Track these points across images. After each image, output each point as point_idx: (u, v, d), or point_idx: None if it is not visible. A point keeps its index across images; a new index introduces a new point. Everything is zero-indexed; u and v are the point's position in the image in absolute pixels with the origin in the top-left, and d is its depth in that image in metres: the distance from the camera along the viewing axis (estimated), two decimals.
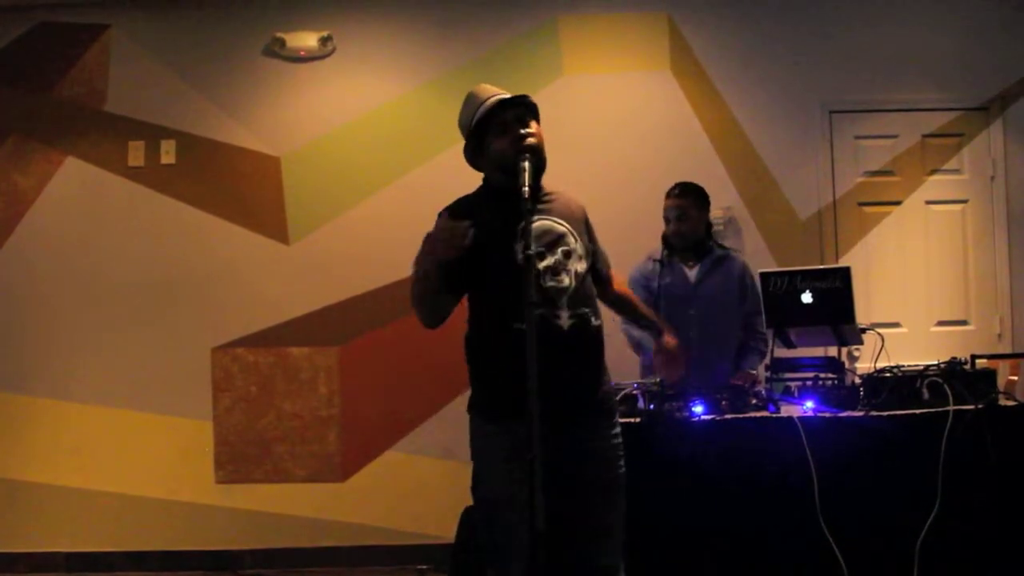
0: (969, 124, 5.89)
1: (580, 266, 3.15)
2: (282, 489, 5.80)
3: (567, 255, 3.12)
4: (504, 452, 3.04)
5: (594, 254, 3.34)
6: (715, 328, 4.66)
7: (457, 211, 3.18)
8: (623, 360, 4.67)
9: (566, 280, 3.09)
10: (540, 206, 3.15)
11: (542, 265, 3.06)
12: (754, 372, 4.61)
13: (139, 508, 5.79)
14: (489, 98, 3.17)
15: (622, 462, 3.19)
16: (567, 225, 3.17)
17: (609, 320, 4.41)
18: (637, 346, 4.70)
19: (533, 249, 2.87)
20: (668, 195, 4.75)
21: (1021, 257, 5.84)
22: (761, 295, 4.46)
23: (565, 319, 3.05)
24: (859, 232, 5.89)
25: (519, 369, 2.87)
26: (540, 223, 3.09)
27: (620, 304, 3.59)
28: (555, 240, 3.13)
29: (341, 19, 5.95)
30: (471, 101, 3.22)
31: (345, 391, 5.83)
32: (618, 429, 3.22)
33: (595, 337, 3.14)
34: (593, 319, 3.14)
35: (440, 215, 3.20)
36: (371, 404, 5.81)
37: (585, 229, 3.28)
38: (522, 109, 3.17)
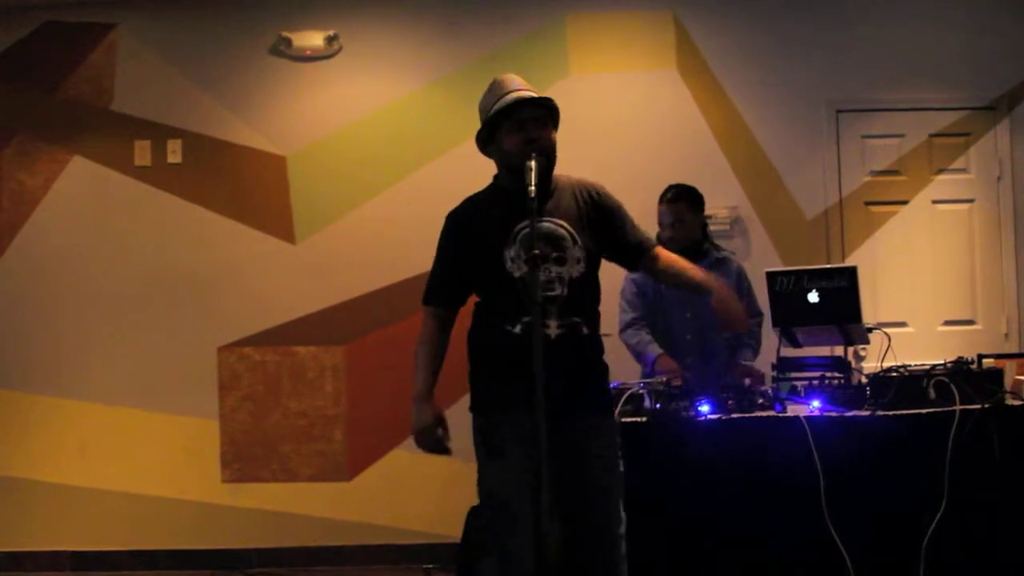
0: (976, 123, 5.88)
1: (576, 270, 3.12)
2: (288, 488, 5.81)
3: (561, 261, 3.08)
4: (492, 448, 3.11)
5: (622, 238, 3.29)
6: (711, 331, 4.65)
7: (463, 212, 3.25)
8: (628, 360, 4.68)
9: (557, 288, 3.06)
10: (545, 206, 3.13)
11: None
12: (748, 364, 4.61)
13: (145, 507, 5.80)
14: (513, 90, 3.14)
15: (617, 464, 3.16)
16: (568, 226, 3.14)
17: (610, 325, 4.44)
18: (637, 356, 4.68)
19: (537, 250, 2.87)
20: (661, 200, 4.70)
21: None
22: (757, 295, 4.46)
23: (554, 328, 3.04)
24: (865, 231, 5.88)
25: (509, 371, 3.03)
26: (539, 225, 3.03)
27: (669, 277, 3.45)
28: (551, 245, 3.10)
29: (347, 18, 5.95)
30: (495, 89, 3.18)
31: (351, 390, 5.84)
32: (613, 432, 3.21)
33: (585, 345, 3.13)
34: (584, 328, 3.12)
35: (448, 217, 3.27)
36: (377, 403, 5.81)
37: (595, 218, 3.22)
38: (543, 111, 3.15)
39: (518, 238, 3.09)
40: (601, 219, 3.24)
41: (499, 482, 3.10)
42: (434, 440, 3.18)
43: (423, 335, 3.26)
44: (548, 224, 3.12)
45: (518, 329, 3.05)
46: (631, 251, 3.34)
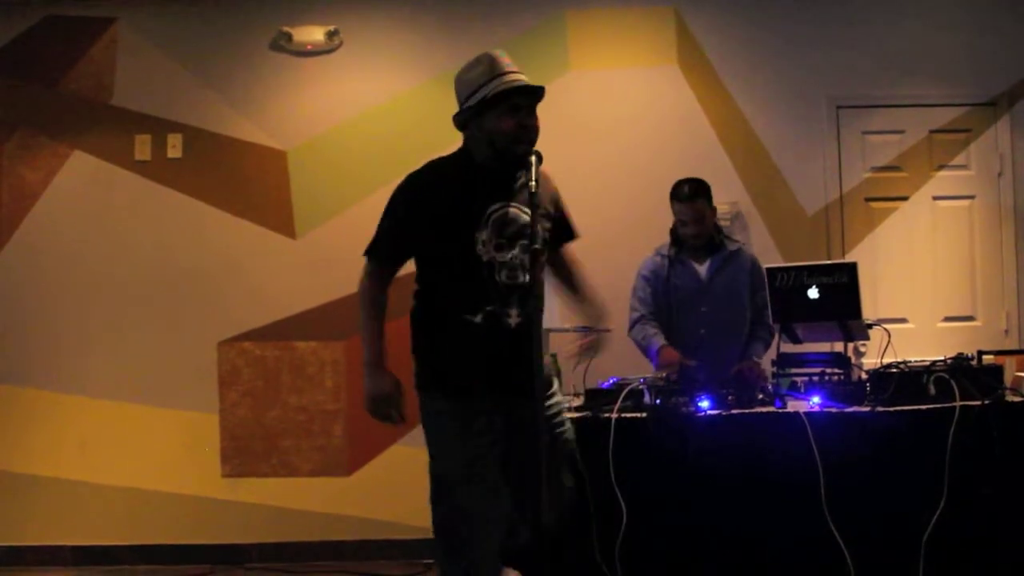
0: (976, 120, 5.88)
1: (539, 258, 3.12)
2: (288, 483, 5.81)
3: (526, 250, 3.06)
4: (455, 429, 3.09)
5: (562, 229, 3.34)
6: (726, 324, 4.65)
7: (428, 177, 3.21)
8: (628, 358, 4.67)
9: (521, 277, 3.07)
10: (514, 188, 3.15)
11: (500, 260, 3.06)
12: (758, 360, 4.60)
13: (145, 502, 5.80)
14: (509, 72, 3.12)
15: (564, 425, 3.25)
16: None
17: (615, 324, 4.41)
18: (643, 350, 4.68)
19: (538, 244, 2.90)
20: (678, 198, 4.64)
21: None
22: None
23: (514, 317, 3.07)
24: (866, 227, 5.88)
25: (469, 358, 3.08)
26: (507, 211, 3.09)
27: (565, 275, 3.50)
28: (517, 232, 3.11)
29: (348, 13, 5.95)
30: (489, 66, 3.13)
31: (351, 385, 5.83)
32: (557, 398, 3.26)
33: (538, 333, 3.09)
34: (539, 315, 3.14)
35: (410, 178, 3.23)
36: None
37: (550, 209, 3.26)
38: (534, 99, 3.15)
39: (490, 221, 3.09)
40: (556, 211, 3.30)
41: (445, 467, 3.10)
42: (393, 407, 3.16)
43: (368, 292, 3.24)
44: (515, 210, 3.13)
45: (479, 319, 3.06)
46: (562, 241, 3.40)
